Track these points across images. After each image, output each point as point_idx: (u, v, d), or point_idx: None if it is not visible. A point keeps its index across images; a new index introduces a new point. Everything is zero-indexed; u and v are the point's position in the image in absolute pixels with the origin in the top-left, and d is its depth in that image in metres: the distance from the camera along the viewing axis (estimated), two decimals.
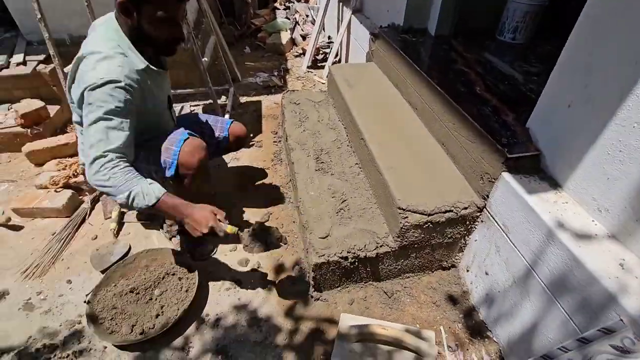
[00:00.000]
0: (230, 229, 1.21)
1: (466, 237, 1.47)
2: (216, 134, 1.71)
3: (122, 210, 1.90)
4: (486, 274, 1.39)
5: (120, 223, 1.85)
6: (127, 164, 1.17)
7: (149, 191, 1.15)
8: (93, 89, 1.12)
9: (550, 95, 1.15)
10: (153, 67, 1.30)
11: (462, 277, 1.58)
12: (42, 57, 2.46)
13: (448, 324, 1.45)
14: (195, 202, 1.25)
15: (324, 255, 1.40)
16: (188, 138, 1.38)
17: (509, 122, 1.36)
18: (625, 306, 0.85)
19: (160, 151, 1.37)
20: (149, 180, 1.19)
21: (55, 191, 1.90)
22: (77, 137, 1.54)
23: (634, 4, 0.87)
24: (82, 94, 1.15)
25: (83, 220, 1.87)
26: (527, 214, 1.14)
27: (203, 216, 1.18)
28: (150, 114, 1.37)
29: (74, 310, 1.48)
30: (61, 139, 2.21)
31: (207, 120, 1.72)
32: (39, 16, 1.76)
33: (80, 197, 1.96)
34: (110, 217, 1.87)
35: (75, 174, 1.94)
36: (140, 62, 1.24)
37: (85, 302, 1.45)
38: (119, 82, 1.14)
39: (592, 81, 1.00)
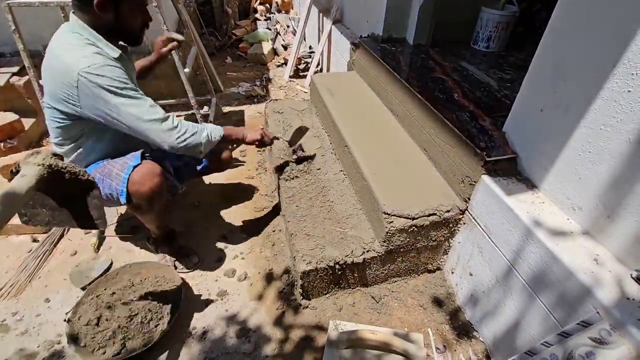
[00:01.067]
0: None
1: (450, 239, 1.51)
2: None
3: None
4: (470, 274, 1.43)
5: (101, 237, 1.80)
6: (182, 122, 1.31)
7: (214, 127, 1.41)
8: (89, 73, 1.11)
9: (523, 101, 1.21)
10: (125, 55, 1.30)
11: (447, 279, 1.61)
12: (15, 69, 2.39)
13: (435, 326, 1.47)
14: (161, 227, 1.56)
15: (311, 262, 1.40)
16: (139, 163, 1.31)
17: (486, 126, 1.42)
18: (600, 298, 0.89)
19: (104, 176, 1.33)
20: (206, 125, 1.39)
21: None
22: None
23: (593, 18, 0.94)
24: (74, 79, 1.11)
25: (61, 236, 1.81)
26: (506, 214, 1.18)
27: (255, 130, 1.56)
28: None
29: (52, 330, 1.42)
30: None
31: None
32: (13, 27, 1.71)
33: None
34: (91, 232, 1.81)
35: None
36: (113, 51, 1.23)
37: (65, 320, 1.39)
38: (109, 61, 1.17)
39: (561, 87, 1.05)
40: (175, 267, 1.64)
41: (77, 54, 1.13)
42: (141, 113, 1.21)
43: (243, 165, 2.34)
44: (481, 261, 1.35)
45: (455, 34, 2.31)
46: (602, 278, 0.93)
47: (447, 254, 1.57)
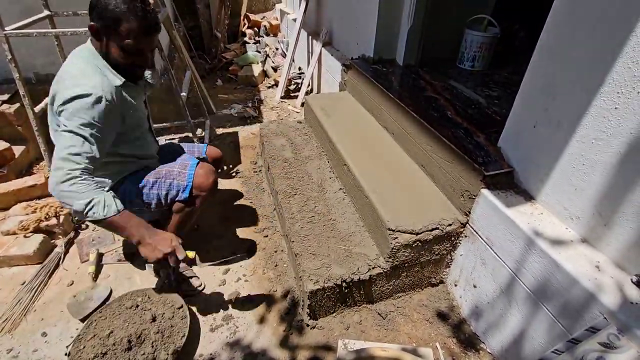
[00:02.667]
0: (189, 253, 1.32)
1: (452, 252, 1.54)
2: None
3: (100, 252, 1.81)
4: (474, 286, 1.46)
5: (99, 266, 1.76)
6: (92, 176, 1.18)
7: (111, 203, 1.17)
8: (69, 101, 1.14)
9: (516, 117, 1.28)
10: (130, 83, 1.34)
11: (450, 292, 1.63)
12: (5, 96, 2.36)
13: (442, 339, 1.48)
14: (183, 229, 1.54)
15: (318, 281, 1.41)
16: (199, 162, 1.52)
17: (481, 142, 1.48)
18: (605, 304, 0.93)
19: (160, 178, 1.46)
20: (113, 193, 1.21)
21: (25, 236, 1.78)
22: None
23: (578, 40, 1.02)
24: (58, 108, 1.16)
25: (57, 266, 1.75)
26: (507, 226, 1.23)
27: (164, 239, 1.23)
28: (133, 131, 1.43)
29: None
30: (28, 181, 2.09)
31: (183, 148, 1.78)
32: (9, 57, 1.71)
33: (53, 241, 1.85)
34: (88, 260, 1.77)
35: (47, 216, 1.83)
36: (117, 79, 1.28)
37: (65, 354, 1.34)
38: (97, 95, 1.17)
39: (551, 105, 1.13)
40: (180, 291, 1.61)
41: (77, 78, 1.19)
42: (65, 146, 1.14)
43: (241, 178, 2.35)
44: (484, 273, 1.39)
45: (441, 54, 2.43)
46: (605, 284, 0.97)
47: (449, 267, 1.60)
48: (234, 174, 2.45)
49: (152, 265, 1.68)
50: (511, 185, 1.33)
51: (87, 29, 1.22)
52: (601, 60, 0.96)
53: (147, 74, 1.61)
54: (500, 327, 1.34)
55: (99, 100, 1.18)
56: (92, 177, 1.18)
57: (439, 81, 2.13)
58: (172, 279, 1.62)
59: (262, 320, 1.55)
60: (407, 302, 1.61)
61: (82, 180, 1.13)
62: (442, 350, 1.43)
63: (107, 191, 1.20)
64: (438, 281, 1.65)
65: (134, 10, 1.17)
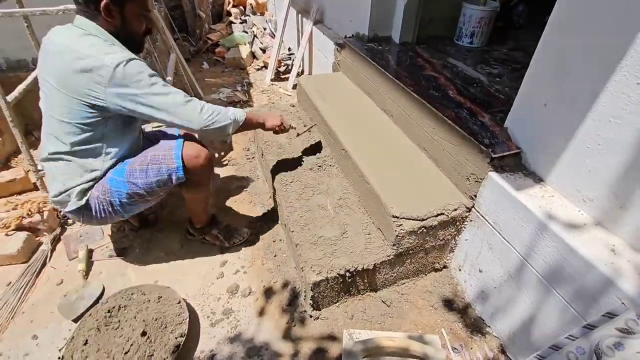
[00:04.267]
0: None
1: (456, 237, 1.51)
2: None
3: (90, 248, 1.73)
4: (480, 271, 1.43)
5: (89, 262, 1.68)
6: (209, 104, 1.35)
7: (236, 109, 1.43)
8: (122, 64, 1.15)
9: (526, 96, 1.22)
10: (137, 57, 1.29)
11: (454, 277, 1.61)
12: None
13: (448, 325, 1.46)
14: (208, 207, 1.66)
15: (321, 272, 1.36)
16: (184, 141, 1.41)
17: (486, 123, 1.42)
18: (623, 289, 0.90)
19: (147, 165, 1.36)
20: (229, 108, 1.42)
21: (7, 235, 1.67)
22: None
23: (596, 10, 0.94)
24: (109, 72, 1.14)
25: (44, 264, 1.67)
26: (517, 209, 1.18)
27: (275, 116, 1.62)
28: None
29: None
30: (6, 175, 1.97)
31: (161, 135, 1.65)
32: None
33: (38, 239, 1.75)
34: (77, 257, 1.68)
35: (30, 213, 1.73)
36: (129, 54, 1.23)
37: (59, 358, 1.28)
38: (134, 57, 1.21)
39: (565, 81, 1.06)
40: (230, 244, 1.74)
41: (105, 50, 1.17)
42: (170, 99, 1.24)
43: (234, 166, 2.26)
44: (491, 257, 1.35)
45: (438, 31, 2.33)
46: (622, 268, 0.94)
47: (453, 251, 1.57)
48: (225, 162, 2.35)
49: (197, 232, 1.75)
50: (519, 167, 1.29)
51: (60, 8, 1.13)
52: (622, 31, 0.89)
53: None
54: (507, 312, 1.32)
55: (136, 57, 1.21)
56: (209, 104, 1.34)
57: (438, 59, 2.04)
58: (220, 237, 1.74)
59: (263, 312, 1.51)
60: (411, 288, 1.59)
61: (206, 104, 1.32)
62: (449, 336, 1.41)
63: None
64: (442, 266, 1.62)
65: None
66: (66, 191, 1.32)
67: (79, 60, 1.15)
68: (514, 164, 1.28)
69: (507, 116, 1.36)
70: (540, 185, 1.21)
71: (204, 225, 1.73)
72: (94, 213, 1.38)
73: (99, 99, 1.18)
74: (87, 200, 1.34)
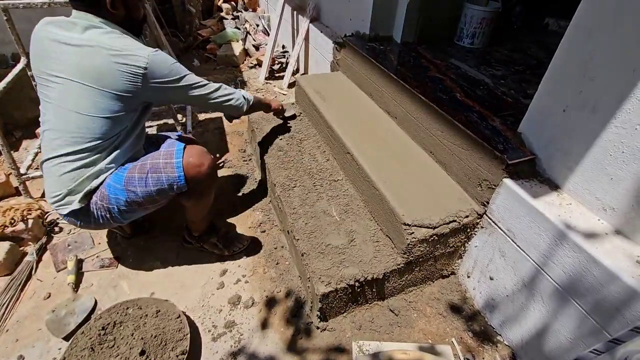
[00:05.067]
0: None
1: (466, 244, 1.47)
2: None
3: (80, 257, 1.62)
4: (491, 279, 1.40)
5: (79, 274, 1.57)
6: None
7: (243, 91, 1.57)
8: (155, 54, 1.20)
9: (543, 101, 1.18)
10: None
11: (462, 284, 1.58)
12: None
13: (458, 333, 1.43)
14: (209, 215, 1.62)
15: (330, 283, 1.30)
16: (185, 146, 1.36)
17: (497, 127, 1.39)
18: None
19: (146, 173, 1.29)
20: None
21: None
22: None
23: (623, 13, 0.91)
24: (144, 61, 1.18)
25: (29, 277, 1.55)
26: (534, 217, 1.15)
27: (277, 101, 1.91)
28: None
29: None
30: None
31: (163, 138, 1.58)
32: None
33: (22, 249, 1.64)
34: (65, 268, 1.58)
35: (13, 221, 1.61)
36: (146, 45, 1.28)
37: None
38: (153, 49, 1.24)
39: (587, 87, 1.03)
40: (230, 253, 1.68)
41: (132, 42, 1.20)
42: (205, 88, 1.38)
43: (230, 168, 2.17)
44: (503, 265, 1.32)
45: (439, 31, 2.29)
46: None
47: (461, 258, 1.54)
48: (221, 164, 2.26)
49: (194, 241, 1.67)
50: (534, 173, 1.25)
51: (45, 0, 1.03)
52: None
53: None
54: (520, 320, 1.30)
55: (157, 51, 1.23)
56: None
57: (441, 60, 2.00)
58: (220, 245, 1.66)
59: (267, 324, 1.44)
60: (418, 296, 1.55)
61: (223, 87, 1.46)
62: (459, 346, 1.38)
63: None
64: (449, 273, 1.59)
65: None
66: (72, 192, 1.25)
67: (114, 54, 1.15)
68: (528, 170, 1.25)
69: (517, 120, 1.33)
70: (557, 193, 1.18)
71: (202, 234, 1.65)
72: (92, 218, 1.30)
73: (137, 90, 1.21)
74: (88, 203, 1.27)
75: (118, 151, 1.29)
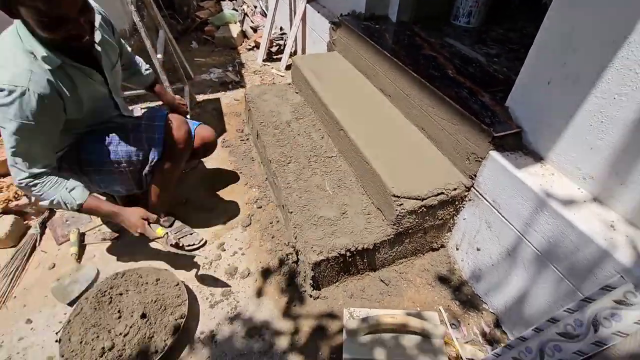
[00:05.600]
0: (160, 231, 1.33)
1: (455, 217, 1.52)
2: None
3: (82, 231, 1.68)
4: (477, 249, 1.45)
5: (82, 246, 1.63)
6: (48, 176, 1.18)
7: (69, 199, 1.21)
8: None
9: (529, 74, 1.21)
10: (74, 64, 1.13)
11: (451, 256, 1.63)
12: None
13: (446, 302, 1.49)
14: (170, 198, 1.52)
15: (322, 252, 1.36)
16: (168, 113, 1.39)
17: (486, 102, 1.42)
18: (622, 262, 0.93)
19: (127, 133, 1.33)
20: (72, 184, 1.22)
21: None
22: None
23: None
24: None
25: (33, 248, 1.62)
26: (518, 188, 1.19)
27: (133, 224, 1.29)
28: (94, 116, 1.32)
29: (40, 354, 1.28)
30: None
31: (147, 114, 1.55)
32: None
33: (26, 222, 1.70)
34: (66, 241, 1.64)
35: (17, 196, 1.66)
36: (51, 62, 1.06)
37: (56, 341, 1.26)
38: (21, 91, 1.01)
39: (570, 59, 1.06)
40: (180, 246, 1.51)
41: (5, 65, 1.02)
42: (12, 160, 1.12)
43: (228, 147, 2.21)
44: (489, 236, 1.37)
45: (434, 10, 2.29)
46: (620, 242, 0.96)
47: (451, 231, 1.59)
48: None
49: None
50: (519, 146, 1.29)
51: None
52: (631, 8, 0.89)
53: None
54: (503, 288, 1.36)
55: (22, 94, 1.01)
56: (48, 176, 1.17)
57: (436, 39, 2.01)
58: (170, 237, 1.51)
59: (263, 293, 1.51)
60: (409, 267, 1.61)
61: (40, 186, 1.16)
62: (446, 313, 1.44)
63: (68, 182, 1.21)
64: (439, 245, 1.64)
65: None
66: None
67: None
68: (514, 143, 1.29)
69: (506, 95, 1.36)
70: (541, 164, 1.22)
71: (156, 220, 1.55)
72: None
73: None
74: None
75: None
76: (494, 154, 1.27)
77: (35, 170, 1.15)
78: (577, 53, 1.04)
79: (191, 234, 1.66)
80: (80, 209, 1.22)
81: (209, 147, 1.68)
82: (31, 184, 1.16)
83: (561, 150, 1.16)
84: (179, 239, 1.52)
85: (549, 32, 1.11)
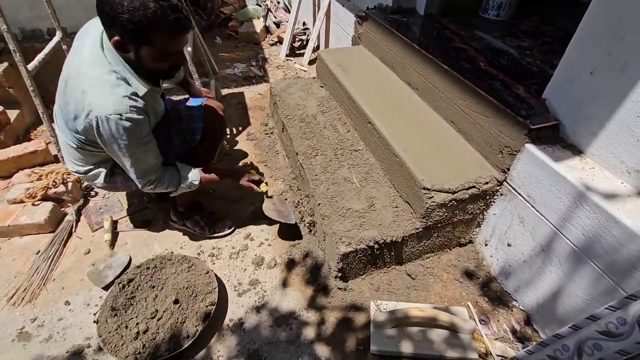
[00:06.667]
0: (262, 187, 1.58)
1: (485, 211, 1.49)
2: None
3: (114, 219, 1.74)
4: (508, 245, 1.42)
5: (114, 233, 1.69)
6: (163, 173, 1.33)
7: (189, 181, 1.38)
8: (108, 119, 1.07)
9: (569, 65, 1.17)
10: (154, 88, 1.25)
11: (479, 252, 1.60)
12: None
13: (474, 298, 1.47)
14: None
15: (350, 243, 1.36)
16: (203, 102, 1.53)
17: (521, 94, 1.38)
18: None
19: (170, 125, 1.41)
20: (183, 170, 1.38)
21: (33, 204, 1.68)
22: (53, 147, 1.37)
23: None
24: (90, 121, 1.09)
25: (70, 234, 1.68)
26: (555, 182, 1.16)
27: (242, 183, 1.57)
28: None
29: (79, 334, 1.33)
30: (28, 147, 1.96)
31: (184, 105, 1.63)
32: None
33: (63, 209, 1.76)
34: (100, 228, 1.70)
35: (55, 183, 1.73)
36: (142, 87, 1.16)
37: (94, 321, 1.31)
38: (132, 108, 1.10)
39: (617, 47, 1.02)
40: (211, 233, 1.67)
41: (103, 93, 1.08)
42: (138, 171, 1.25)
43: (253, 141, 2.24)
44: (522, 231, 1.34)
45: (463, 3, 2.24)
46: None
47: (480, 226, 1.56)
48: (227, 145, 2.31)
49: (177, 216, 1.69)
50: (557, 139, 1.25)
51: None
52: None
53: None
54: (535, 284, 1.32)
55: (134, 109, 1.11)
56: (162, 175, 1.33)
57: (465, 31, 1.97)
58: (202, 224, 1.67)
59: (289, 283, 1.52)
60: (435, 262, 1.59)
61: (163, 183, 1.33)
62: (475, 309, 1.42)
63: (176, 170, 1.38)
64: (467, 241, 1.61)
65: (163, 13, 0.99)
66: (90, 177, 1.40)
67: (78, 91, 1.09)
68: (551, 136, 1.25)
69: (542, 88, 1.32)
70: (580, 158, 1.18)
71: (186, 209, 1.67)
72: (118, 183, 1.43)
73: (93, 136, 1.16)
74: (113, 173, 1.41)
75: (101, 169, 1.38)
76: (530, 147, 1.23)
77: (154, 176, 1.30)
78: (625, 40, 0.99)
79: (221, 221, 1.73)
80: (199, 184, 1.40)
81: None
82: (156, 184, 1.32)
83: (603, 143, 1.12)
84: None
85: (593, 21, 1.07)
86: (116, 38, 1.03)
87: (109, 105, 1.07)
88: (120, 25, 0.99)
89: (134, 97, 1.12)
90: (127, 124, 1.09)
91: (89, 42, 1.12)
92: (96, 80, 1.08)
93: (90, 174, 1.38)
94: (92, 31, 1.15)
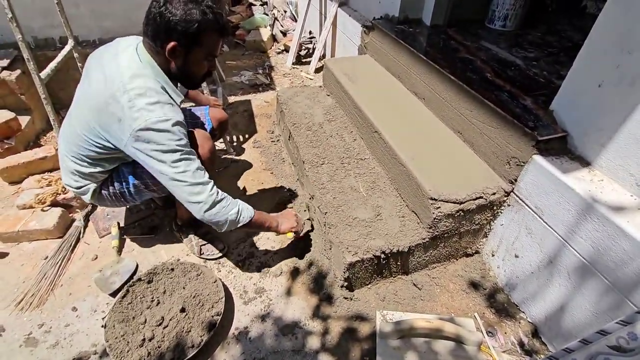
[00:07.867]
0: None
1: (492, 222, 1.49)
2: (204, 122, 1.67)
3: (122, 225, 1.75)
4: (516, 256, 1.41)
5: (121, 239, 1.70)
6: (219, 193, 1.25)
7: (245, 208, 1.32)
8: (155, 129, 1.09)
9: (577, 77, 1.18)
10: (184, 97, 1.32)
11: (486, 262, 1.60)
12: (5, 62, 2.21)
13: (481, 309, 1.46)
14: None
15: (357, 253, 1.36)
16: (192, 131, 1.38)
17: (528, 105, 1.39)
18: None
19: None
20: (239, 203, 1.31)
21: (42, 210, 1.70)
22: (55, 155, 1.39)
23: None
24: (133, 132, 1.09)
25: (78, 240, 1.70)
26: (564, 193, 1.16)
27: (289, 215, 1.51)
28: None
29: (86, 340, 1.33)
30: (38, 153, 1.99)
31: (192, 112, 1.67)
32: (10, 15, 1.55)
33: (71, 215, 1.78)
34: (107, 235, 1.71)
35: (64, 189, 1.75)
36: (178, 96, 1.22)
37: (102, 326, 1.31)
38: (176, 119, 1.13)
39: (625, 61, 1.02)
40: (201, 253, 1.62)
41: (151, 100, 1.10)
42: (191, 185, 1.18)
43: (259, 148, 2.25)
44: (529, 242, 1.34)
45: (469, 14, 2.26)
46: None
47: (487, 237, 1.55)
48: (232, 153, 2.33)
49: (177, 228, 1.69)
50: (565, 150, 1.25)
51: None
52: None
53: None
54: (543, 296, 1.31)
55: (176, 123, 1.13)
56: (219, 193, 1.24)
57: (471, 42, 1.99)
58: (193, 242, 1.64)
59: (295, 292, 1.52)
60: (442, 272, 1.58)
61: (222, 205, 1.23)
62: (482, 320, 1.41)
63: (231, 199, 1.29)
64: (474, 251, 1.61)
65: (214, 18, 1.11)
66: (81, 192, 1.39)
67: (115, 103, 1.09)
68: (559, 147, 1.25)
69: (549, 99, 1.32)
70: (588, 169, 1.18)
71: (184, 223, 1.67)
72: (107, 201, 1.44)
73: (120, 146, 1.16)
74: (100, 192, 1.40)
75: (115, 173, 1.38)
76: (538, 158, 1.23)
77: (209, 196, 1.21)
78: (633, 54, 1.00)
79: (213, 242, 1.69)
80: (250, 221, 1.31)
81: (225, 127, 1.77)
82: (217, 201, 1.22)
83: (612, 155, 1.12)
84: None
85: (602, 34, 1.07)
86: (172, 44, 1.09)
87: (157, 109, 1.10)
88: (176, 31, 1.07)
89: (175, 104, 1.18)
90: (175, 128, 1.13)
91: (126, 56, 1.15)
92: (142, 89, 1.10)
93: (80, 190, 1.38)
94: (124, 46, 1.19)
